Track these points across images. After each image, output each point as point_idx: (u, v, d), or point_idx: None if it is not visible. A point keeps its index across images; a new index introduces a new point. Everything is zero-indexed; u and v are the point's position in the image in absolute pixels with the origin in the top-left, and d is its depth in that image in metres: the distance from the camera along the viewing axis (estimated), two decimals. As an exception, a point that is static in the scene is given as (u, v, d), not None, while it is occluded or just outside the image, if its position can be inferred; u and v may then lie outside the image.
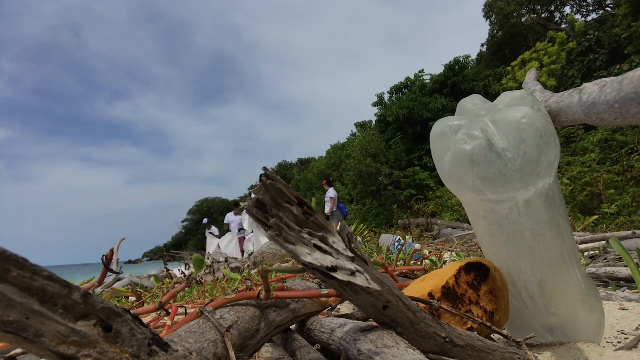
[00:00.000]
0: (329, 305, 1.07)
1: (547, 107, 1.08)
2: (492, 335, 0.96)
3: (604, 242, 2.64)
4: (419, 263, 1.92)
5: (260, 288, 0.88)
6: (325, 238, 0.57)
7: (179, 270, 3.30)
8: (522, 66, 16.41)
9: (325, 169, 21.29)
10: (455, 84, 15.46)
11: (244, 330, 0.77)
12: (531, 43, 18.84)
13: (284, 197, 0.55)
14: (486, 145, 0.85)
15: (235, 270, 3.38)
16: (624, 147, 7.92)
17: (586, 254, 2.56)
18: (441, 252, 2.33)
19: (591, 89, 0.93)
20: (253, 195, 0.56)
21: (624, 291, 1.55)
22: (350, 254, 0.57)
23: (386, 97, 17.36)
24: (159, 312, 1.16)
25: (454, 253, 2.48)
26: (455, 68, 15.93)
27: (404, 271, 1.61)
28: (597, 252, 2.57)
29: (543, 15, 21.51)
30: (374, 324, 0.69)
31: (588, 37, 12.74)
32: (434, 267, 1.78)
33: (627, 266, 1.82)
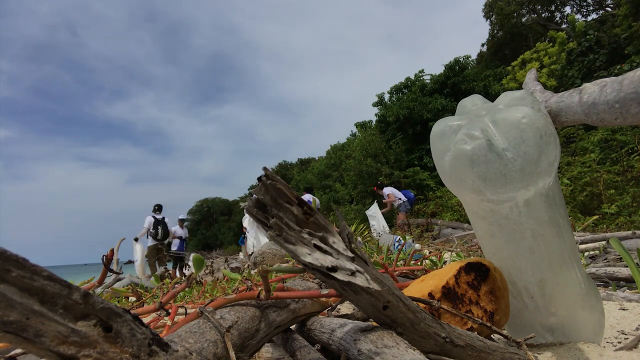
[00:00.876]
0: (329, 305, 1.07)
1: (547, 107, 1.08)
2: (492, 335, 0.96)
3: (604, 242, 2.64)
4: (419, 263, 1.92)
5: (260, 288, 0.88)
6: (325, 238, 0.57)
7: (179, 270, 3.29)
8: (522, 66, 16.41)
9: (325, 169, 21.29)
10: (455, 84, 15.46)
11: (244, 330, 0.77)
12: (531, 43, 18.84)
13: (284, 197, 0.55)
14: (486, 145, 0.85)
15: (235, 270, 3.38)
16: (624, 147, 7.92)
17: (586, 254, 2.56)
18: (441, 252, 2.34)
19: (591, 89, 0.93)
20: (253, 196, 0.56)
21: (624, 291, 1.55)
22: (350, 254, 0.57)
23: (386, 97, 17.37)
24: (159, 312, 1.16)
25: (454, 253, 2.49)
26: (455, 68, 15.93)
27: (404, 271, 1.61)
28: (597, 252, 2.57)
29: (543, 15, 21.51)
30: (374, 324, 0.69)
31: (588, 37, 12.74)
32: (434, 267, 1.78)
33: (627, 266, 1.82)
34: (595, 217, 5.35)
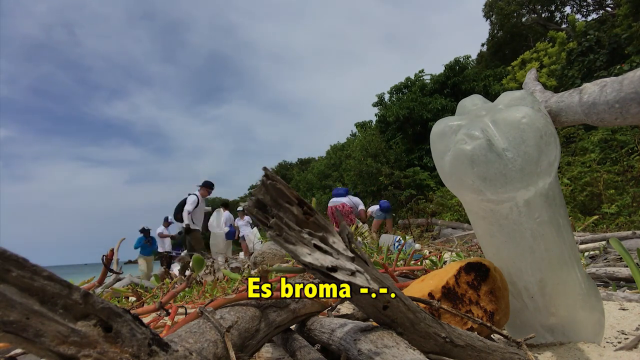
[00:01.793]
0: (329, 305, 1.07)
1: (547, 107, 1.08)
2: (492, 335, 0.96)
3: (604, 242, 2.64)
4: (419, 263, 1.92)
5: (260, 288, 0.88)
6: (325, 238, 0.57)
7: (179, 270, 3.30)
8: (522, 66, 16.41)
9: (325, 169, 21.30)
10: (455, 84, 15.46)
11: (244, 330, 0.77)
12: (531, 43, 18.84)
13: (284, 197, 0.55)
14: (486, 145, 0.85)
15: (235, 270, 3.39)
16: (624, 147, 7.91)
17: (586, 254, 2.56)
18: (441, 252, 2.34)
19: (591, 89, 0.93)
20: (253, 196, 0.56)
21: (624, 291, 1.55)
22: (350, 254, 0.57)
23: (386, 97, 17.37)
24: (159, 312, 1.16)
25: (454, 253, 2.49)
26: (456, 68, 15.93)
27: (404, 271, 1.61)
28: (597, 252, 2.57)
29: (543, 15, 21.52)
30: (374, 324, 0.69)
31: (588, 37, 12.74)
32: (434, 267, 1.78)
33: (627, 266, 1.82)
34: (595, 217, 5.35)
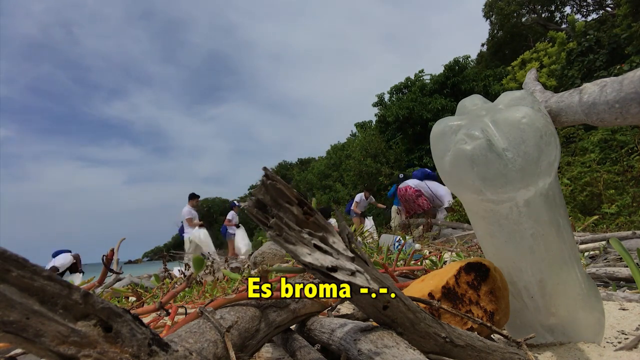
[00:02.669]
0: (329, 305, 1.07)
1: (547, 107, 1.08)
2: (492, 335, 0.96)
3: (604, 242, 2.64)
4: (419, 263, 1.92)
5: (260, 288, 0.88)
6: (325, 238, 0.57)
7: (178, 270, 3.30)
8: (522, 66, 16.41)
9: (325, 169, 21.30)
10: (455, 84, 15.46)
11: (244, 330, 0.77)
12: (531, 43, 18.84)
13: (284, 197, 0.55)
14: (486, 145, 0.85)
15: (235, 270, 3.38)
16: (624, 147, 7.91)
17: (586, 254, 2.56)
18: (441, 252, 2.34)
19: (591, 89, 0.93)
20: (253, 196, 0.56)
21: (624, 291, 1.55)
22: (350, 254, 0.57)
23: (386, 97, 17.37)
24: (159, 312, 1.16)
25: (454, 253, 2.49)
26: (455, 68, 15.93)
27: (404, 271, 1.61)
28: (597, 252, 2.57)
29: (543, 15, 21.52)
30: (374, 324, 0.69)
31: (588, 37, 12.74)
32: (434, 267, 1.78)
33: (627, 266, 1.82)
34: (595, 217, 5.35)
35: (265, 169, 0.56)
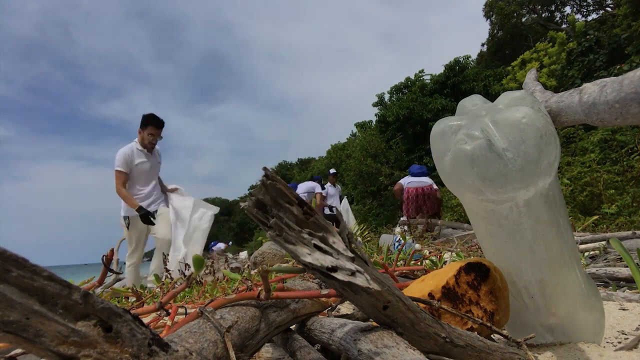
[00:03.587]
0: (329, 305, 1.07)
1: (547, 107, 1.08)
2: (492, 335, 0.96)
3: (604, 242, 2.64)
4: (419, 263, 1.92)
5: (260, 288, 0.88)
6: (325, 238, 0.57)
7: (178, 270, 3.30)
8: (522, 66, 16.41)
9: (325, 169, 21.30)
10: (455, 84, 15.46)
11: (244, 330, 0.77)
12: (531, 43, 18.83)
13: (284, 197, 0.55)
14: (486, 145, 0.85)
15: (235, 270, 3.39)
16: (624, 147, 7.91)
17: (586, 254, 2.56)
18: (441, 252, 2.34)
19: (591, 89, 0.93)
20: (253, 196, 0.56)
21: (624, 291, 1.55)
22: (350, 254, 0.57)
23: (386, 97, 17.38)
24: (159, 312, 1.16)
25: (454, 253, 2.49)
26: (456, 68, 15.94)
27: (404, 271, 1.61)
28: (597, 252, 2.57)
29: (543, 15, 21.52)
30: (374, 324, 0.69)
31: (588, 37, 12.74)
32: (434, 267, 1.78)
33: (627, 266, 1.82)
34: (595, 217, 5.35)
35: (265, 169, 0.56)
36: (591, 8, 20.33)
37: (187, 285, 1.04)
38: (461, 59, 16.01)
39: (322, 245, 0.56)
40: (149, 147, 4.07)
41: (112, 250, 1.10)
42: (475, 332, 0.76)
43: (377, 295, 0.61)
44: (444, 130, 0.94)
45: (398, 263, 1.73)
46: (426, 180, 6.48)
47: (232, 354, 0.63)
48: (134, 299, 1.99)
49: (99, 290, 2.01)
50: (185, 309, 1.13)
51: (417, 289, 0.95)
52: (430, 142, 0.99)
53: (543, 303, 0.95)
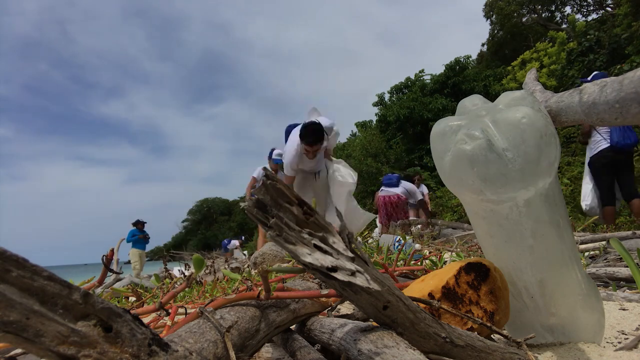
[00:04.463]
0: (329, 306, 1.07)
1: (547, 107, 1.08)
2: (492, 335, 0.96)
3: (604, 242, 2.64)
4: (419, 263, 1.92)
5: (260, 288, 0.88)
6: (325, 238, 0.57)
7: (178, 270, 3.30)
8: (522, 66, 16.41)
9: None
10: (455, 84, 15.47)
11: (244, 331, 0.77)
12: (531, 43, 18.83)
13: (284, 197, 0.55)
14: (486, 145, 0.85)
15: (235, 270, 3.39)
16: (624, 147, 7.89)
17: (586, 254, 2.56)
18: (441, 252, 2.34)
19: (591, 89, 0.93)
20: (253, 196, 0.56)
21: (624, 291, 1.55)
22: (350, 254, 0.57)
23: (386, 96, 17.38)
24: (159, 312, 1.16)
25: (454, 253, 2.49)
26: (456, 68, 15.94)
27: (404, 271, 1.61)
28: (597, 252, 2.57)
29: (543, 15, 21.51)
30: (374, 324, 0.69)
31: (588, 37, 12.74)
32: (434, 267, 1.78)
33: (627, 266, 1.82)
34: (595, 217, 5.34)
35: (265, 169, 0.56)
36: (591, 8, 20.33)
37: (187, 285, 1.04)
38: (461, 59, 16.01)
39: (322, 245, 0.56)
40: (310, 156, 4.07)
41: (112, 250, 1.10)
42: (475, 332, 0.76)
43: (377, 295, 0.61)
44: (444, 130, 0.94)
45: (398, 263, 1.73)
46: (394, 190, 6.82)
47: (232, 354, 0.63)
48: (134, 299, 1.99)
49: (99, 290, 2.01)
50: (185, 309, 1.13)
51: (417, 289, 0.95)
52: (430, 142, 0.99)
53: (543, 303, 0.96)
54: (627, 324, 1.15)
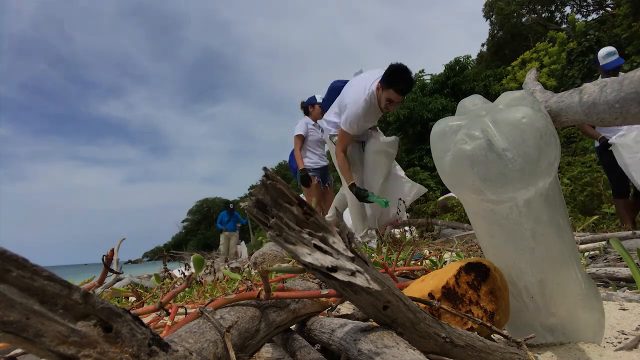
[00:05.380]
0: (329, 305, 1.07)
1: (547, 107, 1.08)
2: (492, 335, 0.96)
3: (604, 242, 2.64)
4: (419, 263, 1.92)
5: (260, 288, 0.88)
6: (325, 238, 0.57)
7: (178, 270, 3.30)
8: (522, 66, 16.41)
9: (325, 169, 21.30)
10: (455, 84, 15.47)
11: (244, 331, 0.77)
12: (531, 43, 18.83)
13: (284, 197, 0.55)
14: (486, 145, 0.85)
15: (235, 270, 3.39)
16: (624, 147, 7.90)
17: (586, 254, 2.56)
18: (441, 252, 2.34)
19: (591, 89, 0.93)
20: (253, 196, 0.56)
21: (624, 291, 1.55)
22: (350, 254, 0.57)
23: (386, 97, 17.34)
24: (159, 312, 1.16)
25: (454, 253, 2.49)
26: (456, 68, 15.94)
27: (404, 271, 1.61)
28: (597, 252, 2.57)
29: (543, 15, 21.52)
30: (374, 324, 0.69)
31: (588, 37, 12.74)
32: (434, 267, 1.78)
33: (627, 266, 1.82)
34: (595, 217, 5.35)
35: (265, 169, 0.56)
36: (591, 8, 20.34)
37: (187, 285, 1.04)
38: (461, 59, 16.01)
39: (322, 245, 0.56)
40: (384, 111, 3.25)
41: (112, 250, 1.10)
42: (475, 332, 0.76)
43: (377, 295, 0.61)
44: (444, 130, 0.94)
45: (398, 263, 1.73)
46: None
47: (232, 354, 0.63)
48: (134, 299, 1.99)
49: (99, 290, 2.01)
50: (185, 309, 1.13)
51: (417, 289, 0.95)
52: (430, 142, 0.99)
53: (543, 303, 0.96)
54: (627, 324, 1.15)
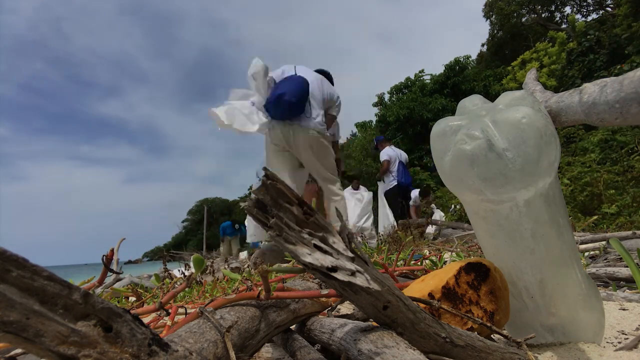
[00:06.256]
0: (329, 305, 1.07)
1: (547, 107, 1.08)
2: (492, 335, 0.96)
3: (604, 242, 2.64)
4: (419, 263, 1.92)
5: (260, 288, 0.88)
6: (325, 238, 0.57)
7: (178, 270, 3.30)
8: (522, 66, 16.42)
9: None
10: (455, 84, 15.48)
11: (244, 331, 0.77)
12: (531, 43, 18.83)
13: (284, 197, 0.55)
14: (486, 145, 0.85)
15: (235, 270, 3.39)
16: (624, 147, 7.92)
17: (586, 254, 2.56)
18: (441, 252, 2.33)
19: (591, 89, 0.93)
20: (253, 196, 0.56)
21: (624, 291, 1.55)
22: (350, 254, 0.57)
23: (386, 97, 17.39)
24: (159, 312, 1.16)
25: (454, 253, 2.49)
26: (456, 68, 15.95)
27: (404, 271, 1.61)
28: (597, 252, 2.57)
29: (543, 15, 21.52)
30: (374, 324, 0.69)
31: (588, 37, 12.74)
32: (434, 267, 1.78)
33: (627, 266, 1.82)
34: (596, 217, 5.34)
35: (265, 169, 0.56)
36: (591, 8, 20.35)
37: (187, 285, 1.04)
38: (461, 59, 16.02)
39: (322, 245, 0.56)
40: None
41: (112, 250, 1.09)
42: (475, 332, 0.76)
43: (377, 295, 0.61)
44: (444, 130, 0.94)
45: (398, 263, 1.73)
46: None
47: (232, 354, 0.63)
48: (134, 299, 1.99)
49: (99, 290, 2.01)
50: (185, 309, 1.13)
51: (417, 289, 0.95)
52: (430, 142, 0.99)
53: (543, 303, 0.96)
54: (627, 324, 1.15)
